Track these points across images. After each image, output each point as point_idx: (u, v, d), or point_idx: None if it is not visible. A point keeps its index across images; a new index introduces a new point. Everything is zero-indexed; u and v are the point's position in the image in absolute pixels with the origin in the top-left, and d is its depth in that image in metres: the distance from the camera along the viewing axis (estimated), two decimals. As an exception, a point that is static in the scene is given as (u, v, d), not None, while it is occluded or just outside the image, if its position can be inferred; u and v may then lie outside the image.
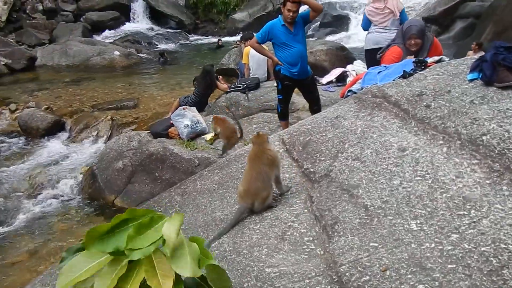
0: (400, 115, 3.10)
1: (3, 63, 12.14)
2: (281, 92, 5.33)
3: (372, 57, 5.48)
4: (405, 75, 3.39)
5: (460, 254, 1.88)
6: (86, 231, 1.10)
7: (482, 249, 1.87)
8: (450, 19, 11.58)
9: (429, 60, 3.61)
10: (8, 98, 9.48)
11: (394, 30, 5.70)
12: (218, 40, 15.08)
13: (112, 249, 1.07)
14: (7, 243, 4.91)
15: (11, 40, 14.16)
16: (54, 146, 7.33)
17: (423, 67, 3.45)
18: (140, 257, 1.04)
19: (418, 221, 2.15)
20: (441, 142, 2.66)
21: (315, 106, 5.41)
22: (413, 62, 3.55)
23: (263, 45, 5.47)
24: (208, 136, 5.53)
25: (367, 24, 5.93)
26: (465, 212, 2.10)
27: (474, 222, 2.02)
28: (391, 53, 4.25)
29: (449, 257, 1.89)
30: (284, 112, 5.49)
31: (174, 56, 13.62)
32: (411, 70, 3.45)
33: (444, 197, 2.24)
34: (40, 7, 17.01)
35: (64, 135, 7.72)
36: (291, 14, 4.67)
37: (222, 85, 7.36)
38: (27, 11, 16.87)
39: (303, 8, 4.79)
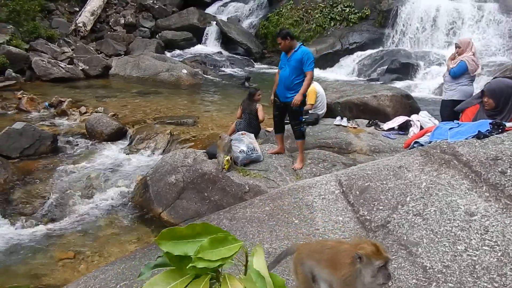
0: (470, 176, 2.95)
1: (81, 69, 13.01)
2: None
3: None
4: (480, 136, 3.23)
5: None
6: (163, 230, 1.12)
7: None
8: (528, 83, 11.03)
9: (508, 124, 3.42)
10: (80, 101, 10.07)
11: None
12: None
13: (181, 253, 1.08)
14: (56, 239, 5.11)
15: (92, 48, 15.20)
16: (114, 152, 7.62)
17: (500, 130, 3.27)
18: (205, 266, 1.05)
19: (483, 295, 2.00)
20: (515, 213, 2.49)
21: (294, 134, 5.85)
22: (490, 123, 3.38)
23: None
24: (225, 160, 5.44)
25: (460, 74, 5.84)
26: (538, 295, 1.93)
27: (548, 307, 1.85)
28: (470, 110, 4.12)
29: None
30: (276, 125, 6.02)
31: (238, 81, 13.92)
32: (486, 131, 3.29)
33: (516, 274, 2.07)
34: (122, 21, 18.23)
35: (124, 143, 8.01)
36: (279, 46, 5.56)
37: (261, 112, 7.09)
38: (110, 23, 18.14)
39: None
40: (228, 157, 5.41)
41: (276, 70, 5.88)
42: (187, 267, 1.05)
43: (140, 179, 6.31)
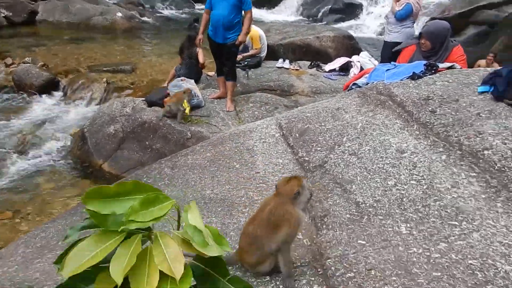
0: (403, 116, 3.07)
1: (3, 15, 11.82)
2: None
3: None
4: (414, 77, 3.34)
5: (447, 264, 1.88)
6: (90, 189, 1.06)
7: (469, 262, 1.87)
8: (463, 23, 11.33)
9: (441, 65, 3.55)
10: (6, 52, 9.28)
11: None
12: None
13: (109, 212, 1.04)
14: (-8, 199, 4.86)
15: (14, -8, 13.76)
16: (47, 104, 7.22)
17: (433, 71, 3.39)
18: (136, 228, 1.02)
19: (408, 225, 2.14)
20: (441, 149, 2.64)
21: (225, 74, 5.70)
22: (424, 64, 3.49)
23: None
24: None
25: (406, 16, 5.90)
26: (456, 223, 2.09)
27: (464, 234, 2.02)
28: (407, 51, 4.21)
29: (436, 264, 1.88)
30: (217, 68, 5.86)
31: (177, 24, 13.35)
32: (420, 72, 3.40)
33: (437, 205, 2.22)
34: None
35: (57, 94, 7.58)
36: None
37: (201, 56, 6.80)
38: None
39: None
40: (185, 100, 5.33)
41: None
42: (119, 230, 1.01)
43: (77, 132, 6.06)
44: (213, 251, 1.04)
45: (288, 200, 1.90)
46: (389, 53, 6.00)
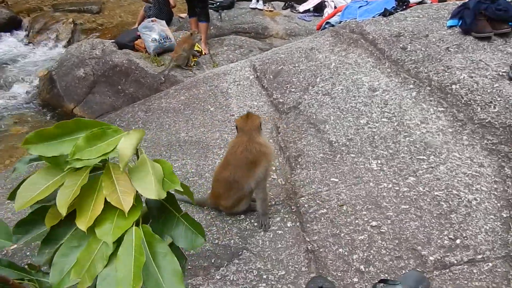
0: (375, 54, 3.08)
1: None
2: None
3: None
4: (386, 13, 3.32)
5: (414, 196, 1.98)
6: (30, 133, 1.03)
7: (435, 193, 1.97)
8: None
9: (411, 0, 3.53)
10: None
11: None
12: None
13: (56, 153, 1.02)
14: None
15: None
16: (9, 45, 6.84)
17: (404, 6, 3.38)
18: (82, 166, 1.00)
19: (379, 161, 2.22)
20: (411, 86, 2.68)
21: (198, 15, 5.57)
22: (395, 0, 3.46)
23: None
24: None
25: None
26: (424, 157, 2.18)
27: (431, 167, 2.11)
28: None
29: (404, 198, 1.98)
30: (189, 9, 5.71)
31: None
32: (392, 8, 3.38)
33: (407, 140, 2.30)
34: None
35: (20, 34, 7.18)
36: None
37: None
38: None
39: None
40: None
41: None
42: (65, 169, 0.99)
43: (45, 74, 5.82)
44: (150, 191, 1.00)
45: (255, 133, 1.96)
46: None
